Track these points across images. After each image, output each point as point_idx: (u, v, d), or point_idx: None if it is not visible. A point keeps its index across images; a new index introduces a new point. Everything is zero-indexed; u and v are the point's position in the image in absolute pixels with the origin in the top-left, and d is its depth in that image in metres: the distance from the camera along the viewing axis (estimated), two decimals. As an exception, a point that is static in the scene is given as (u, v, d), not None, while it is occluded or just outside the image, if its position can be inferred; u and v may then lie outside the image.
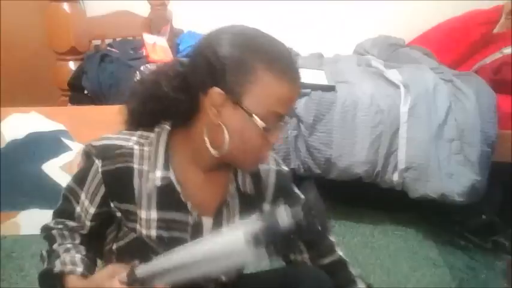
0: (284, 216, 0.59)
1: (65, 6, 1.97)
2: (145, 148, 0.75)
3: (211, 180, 0.79)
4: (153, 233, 0.75)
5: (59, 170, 1.83)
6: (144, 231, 0.75)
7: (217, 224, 0.79)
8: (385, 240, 1.84)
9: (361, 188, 1.84)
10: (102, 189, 0.75)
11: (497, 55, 2.05)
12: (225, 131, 0.69)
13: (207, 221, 0.78)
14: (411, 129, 1.72)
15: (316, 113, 1.75)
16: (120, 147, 0.74)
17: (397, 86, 1.82)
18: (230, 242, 0.60)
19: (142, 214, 0.74)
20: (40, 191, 1.79)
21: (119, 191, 0.75)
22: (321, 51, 2.50)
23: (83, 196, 0.77)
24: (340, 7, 2.59)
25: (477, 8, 2.26)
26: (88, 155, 0.76)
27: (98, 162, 0.74)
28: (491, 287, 1.61)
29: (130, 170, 0.74)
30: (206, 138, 0.72)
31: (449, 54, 2.19)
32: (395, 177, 1.74)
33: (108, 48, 2.17)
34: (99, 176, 0.74)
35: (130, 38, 2.44)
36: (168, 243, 0.72)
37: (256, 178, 0.83)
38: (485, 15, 2.19)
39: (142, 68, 1.97)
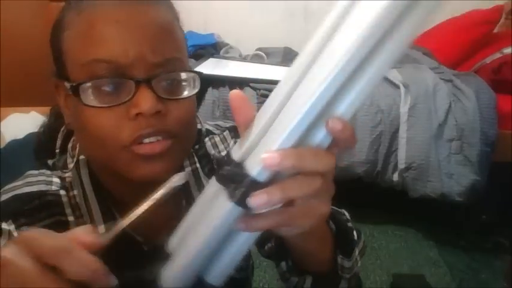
0: None
1: (65, 6, 1.97)
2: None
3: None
4: None
5: (59, 170, 1.83)
6: None
7: None
8: (385, 240, 1.84)
9: (361, 188, 1.84)
10: None
11: (497, 55, 2.04)
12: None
13: None
14: (411, 129, 1.72)
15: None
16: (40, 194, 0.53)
17: (397, 86, 1.82)
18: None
19: None
20: (40, 191, 1.79)
21: None
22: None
23: None
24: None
25: (477, 8, 2.26)
26: None
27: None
28: (491, 287, 1.61)
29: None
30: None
31: (449, 54, 2.18)
32: (395, 177, 1.74)
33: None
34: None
35: (130, 38, 2.44)
36: None
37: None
38: (485, 15, 2.18)
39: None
